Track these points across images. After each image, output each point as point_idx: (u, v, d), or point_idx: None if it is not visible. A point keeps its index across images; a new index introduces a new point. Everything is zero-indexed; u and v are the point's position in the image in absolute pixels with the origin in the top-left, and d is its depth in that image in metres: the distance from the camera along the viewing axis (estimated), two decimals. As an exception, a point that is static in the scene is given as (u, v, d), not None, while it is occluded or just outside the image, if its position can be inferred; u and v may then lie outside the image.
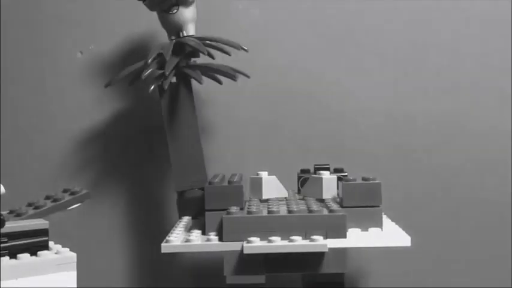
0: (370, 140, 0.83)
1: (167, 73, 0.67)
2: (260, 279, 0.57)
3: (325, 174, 0.67)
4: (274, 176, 0.69)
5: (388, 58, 0.83)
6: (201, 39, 0.71)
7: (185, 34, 0.72)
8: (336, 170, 0.71)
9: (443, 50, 0.83)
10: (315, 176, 0.68)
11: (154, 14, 0.84)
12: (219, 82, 0.72)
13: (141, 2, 0.73)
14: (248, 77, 0.72)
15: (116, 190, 0.84)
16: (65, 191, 0.62)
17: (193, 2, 0.72)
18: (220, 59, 0.71)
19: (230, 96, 0.82)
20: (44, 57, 0.85)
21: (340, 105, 0.83)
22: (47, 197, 0.61)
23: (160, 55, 0.69)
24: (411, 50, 0.83)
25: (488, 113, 0.82)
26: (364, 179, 0.62)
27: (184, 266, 0.83)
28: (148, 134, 0.84)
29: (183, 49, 0.72)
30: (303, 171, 0.73)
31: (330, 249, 0.55)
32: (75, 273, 0.52)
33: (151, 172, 0.84)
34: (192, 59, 0.74)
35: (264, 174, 0.68)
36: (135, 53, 0.85)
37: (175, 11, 0.69)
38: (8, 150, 0.84)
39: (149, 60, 0.67)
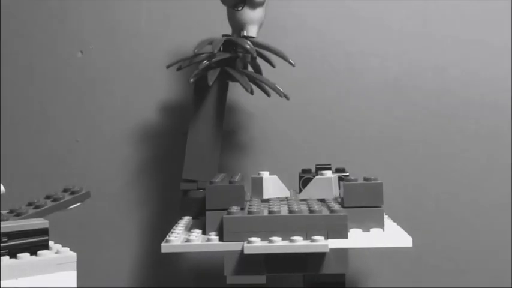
0: (371, 140, 0.82)
1: (212, 70, 0.68)
2: (261, 279, 0.56)
3: (327, 174, 0.67)
4: (275, 176, 0.68)
5: (388, 57, 0.83)
6: (257, 44, 0.71)
7: (245, 34, 0.72)
8: (338, 170, 0.71)
9: (444, 48, 0.83)
10: (319, 177, 0.68)
11: (155, 14, 0.84)
12: (267, 94, 0.73)
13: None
14: (288, 98, 0.72)
15: (116, 190, 0.84)
16: (65, 190, 0.62)
17: (261, 4, 0.72)
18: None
19: (231, 96, 0.82)
20: (44, 57, 0.85)
21: (341, 105, 0.83)
22: (47, 197, 0.61)
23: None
24: (412, 49, 0.83)
25: (489, 114, 0.82)
26: (365, 179, 0.61)
27: (184, 266, 0.83)
28: (149, 135, 0.84)
29: (235, 49, 0.72)
30: (304, 171, 0.72)
31: (331, 249, 0.55)
32: (75, 272, 0.52)
33: (152, 172, 0.84)
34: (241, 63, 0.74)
35: (265, 174, 0.68)
36: (135, 52, 0.85)
37: (240, 8, 0.69)
38: (8, 149, 0.84)
39: (196, 50, 0.67)
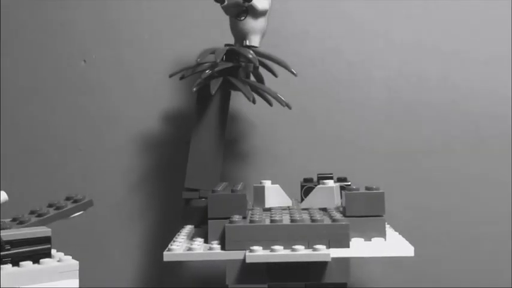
0: (373, 150, 0.82)
1: (215, 78, 0.69)
2: None
3: (329, 183, 0.67)
4: (277, 185, 0.68)
5: (391, 68, 0.83)
6: (259, 53, 0.72)
7: (247, 43, 0.72)
8: (340, 179, 0.71)
9: (445, 55, 0.83)
10: (321, 186, 0.68)
11: (157, 23, 0.85)
12: (269, 103, 0.73)
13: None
14: (290, 107, 0.72)
15: (118, 198, 0.84)
16: (67, 198, 0.62)
17: (263, 14, 0.72)
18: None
19: (233, 105, 0.82)
20: (47, 66, 0.86)
21: (343, 115, 0.83)
22: (50, 205, 0.61)
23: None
24: (413, 54, 0.83)
25: (489, 123, 0.82)
26: (367, 188, 0.61)
27: (187, 275, 0.83)
28: (152, 143, 0.84)
29: (237, 58, 0.72)
30: (306, 180, 0.72)
31: (333, 258, 0.55)
32: (77, 281, 0.52)
33: (154, 180, 0.84)
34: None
35: (267, 183, 0.68)
36: (138, 62, 0.85)
37: (243, 18, 0.69)
38: (10, 157, 0.84)
39: (199, 59, 0.68)
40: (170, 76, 0.73)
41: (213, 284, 0.81)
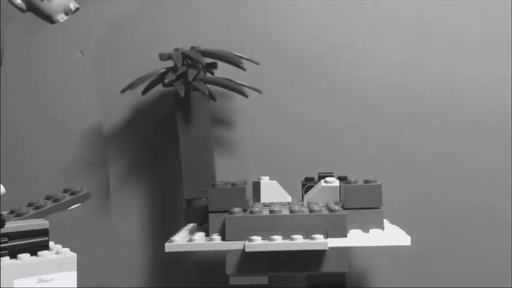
0: (373, 148, 0.83)
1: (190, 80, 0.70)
2: (263, 279, 0.57)
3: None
4: (274, 181, 0.69)
5: (388, 65, 0.83)
6: (206, 53, 0.73)
7: (76, 6, 0.70)
8: (340, 178, 0.71)
9: (443, 58, 0.83)
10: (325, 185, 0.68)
11: (156, 16, 0.84)
12: (245, 95, 0.73)
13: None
14: (260, 92, 0.72)
15: (117, 190, 0.84)
16: (65, 191, 0.62)
17: None
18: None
19: (235, 104, 0.83)
20: (44, 58, 0.85)
21: (343, 113, 0.83)
22: (48, 197, 0.61)
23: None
24: (411, 50, 0.83)
25: (488, 118, 0.82)
26: (365, 181, 0.62)
27: (188, 268, 0.83)
28: (154, 136, 0.84)
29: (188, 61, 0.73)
30: (307, 179, 0.73)
31: (331, 248, 0.55)
32: (75, 273, 0.52)
33: (152, 172, 0.84)
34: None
35: (264, 179, 0.68)
36: (135, 52, 0.85)
37: None
38: (8, 150, 0.84)
39: (180, 65, 0.71)
40: (122, 92, 0.75)
41: (214, 278, 0.80)
